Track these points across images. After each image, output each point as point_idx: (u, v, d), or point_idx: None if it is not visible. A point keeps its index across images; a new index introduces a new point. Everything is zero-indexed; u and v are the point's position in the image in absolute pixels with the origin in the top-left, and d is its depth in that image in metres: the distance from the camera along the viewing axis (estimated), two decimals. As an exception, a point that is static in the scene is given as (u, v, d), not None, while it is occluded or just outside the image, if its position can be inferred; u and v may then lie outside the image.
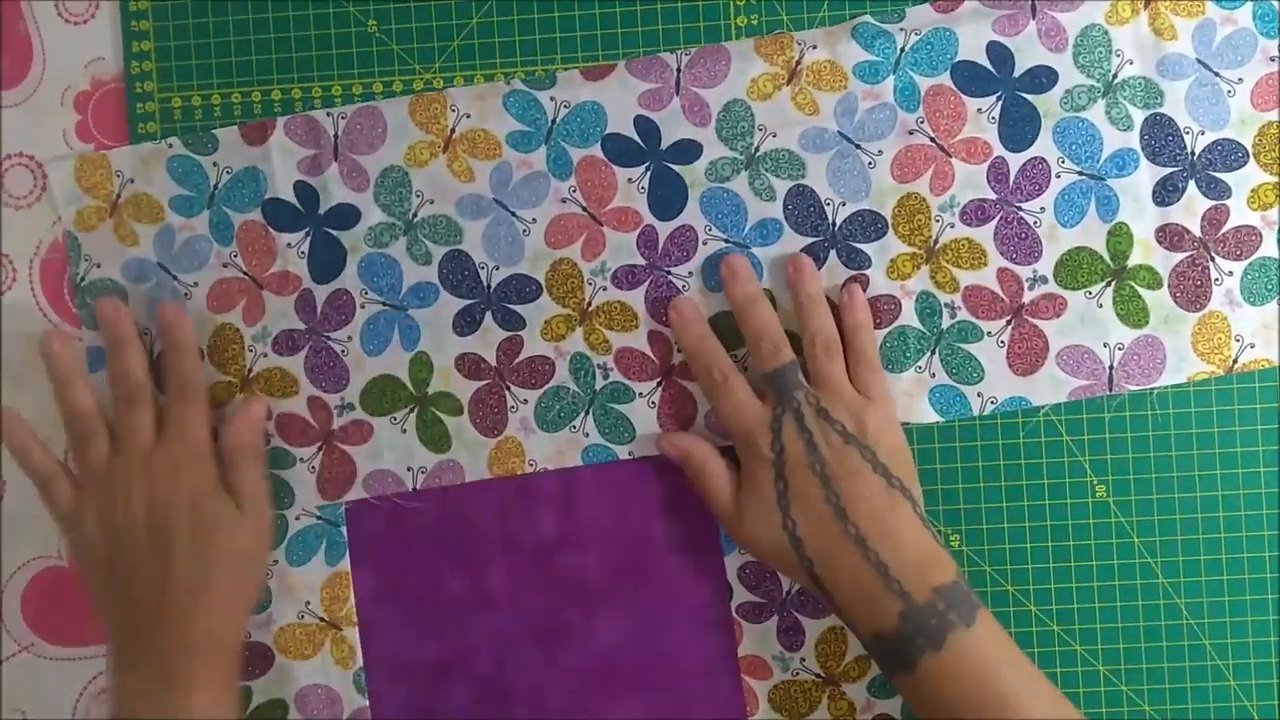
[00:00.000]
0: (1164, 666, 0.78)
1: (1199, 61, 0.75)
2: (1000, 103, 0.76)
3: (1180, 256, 0.76)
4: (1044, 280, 0.76)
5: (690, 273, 0.78)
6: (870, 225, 0.77)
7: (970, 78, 0.76)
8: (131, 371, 0.77)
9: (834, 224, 0.77)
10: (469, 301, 0.79)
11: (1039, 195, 0.76)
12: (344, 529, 0.80)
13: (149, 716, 0.71)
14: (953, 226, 0.77)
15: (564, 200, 0.78)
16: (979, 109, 0.76)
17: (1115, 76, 0.76)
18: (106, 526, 0.74)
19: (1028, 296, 0.77)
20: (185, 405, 0.77)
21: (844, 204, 0.77)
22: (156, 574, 0.73)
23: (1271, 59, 0.75)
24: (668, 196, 0.78)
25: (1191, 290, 0.76)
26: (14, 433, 0.78)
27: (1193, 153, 0.76)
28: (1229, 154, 0.76)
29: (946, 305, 0.77)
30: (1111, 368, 0.76)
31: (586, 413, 0.79)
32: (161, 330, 0.78)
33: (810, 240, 0.77)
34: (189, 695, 0.71)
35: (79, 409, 0.77)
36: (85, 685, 0.83)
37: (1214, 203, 0.76)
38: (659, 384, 0.79)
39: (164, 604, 0.72)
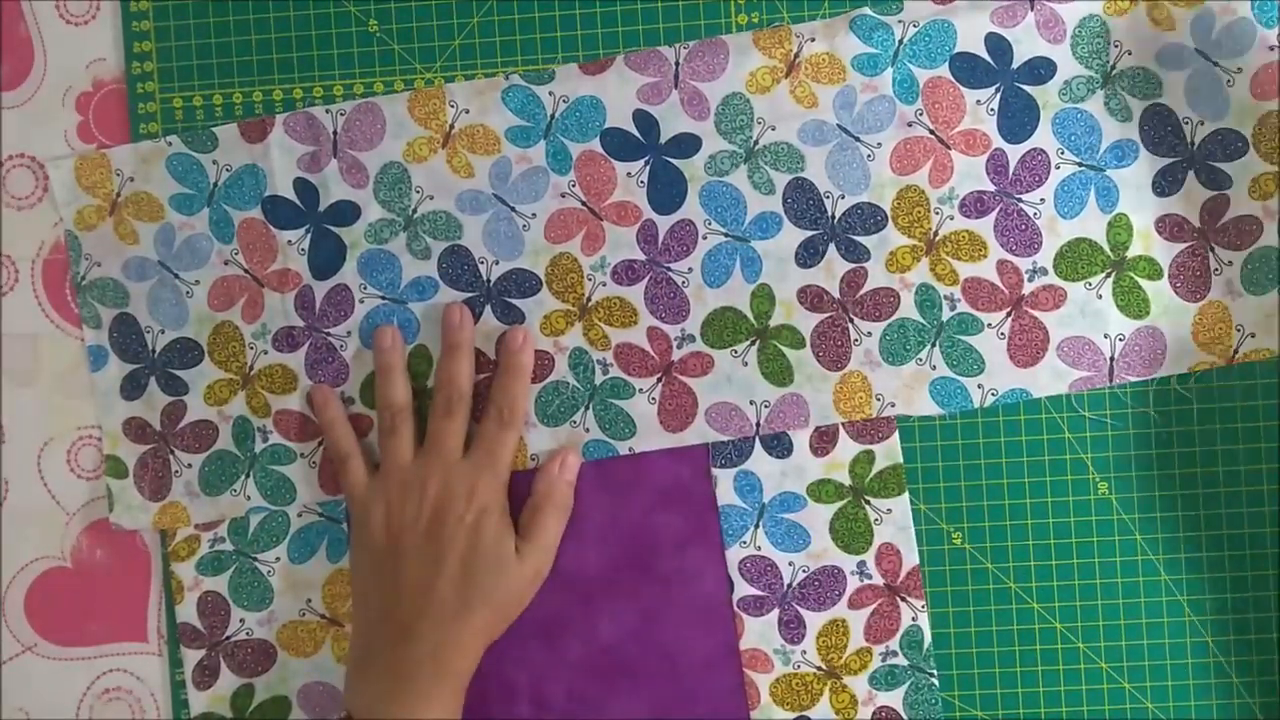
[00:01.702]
0: (1166, 663, 0.77)
1: (1198, 51, 0.75)
2: (999, 94, 0.76)
3: (1180, 247, 0.76)
4: (1044, 272, 0.76)
5: (690, 268, 0.78)
6: (870, 218, 0.77)
7: (969, 69, 0.76)
8: (458, 378, 0.77)
9: (833, 217, 0.77)
10: (468, 295, 0.79)
11: (1038, 187, 0.76)
12: (345, 525, 0.80)
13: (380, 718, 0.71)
14: (952, 218, 0.77)
15: (563, 195, 0.78)
16: (978, 101, 0.76)
17: (1114, 67, 0.76)
18: (391, 520, 0.75)
19: (1028, 288, 0.76)
20: (503, 429, 0.77)
21: (843, 197, 0.77)
22: (422, 585, 0.73)
23: (1270, 48, 0.75)
24: (667, 191, 0.78)
25: (1192, 280, 0.76)
26: (326, 406, 0.79)
27: (1192, 143, 0.76)
28: (1228, 144, 0.76)
29: (946, 297, 0.77)
30: (1112, 359, 0.76)
31: (586, 408, 0.79)
32: (502, 357, 0.78)
33: (810, 233, 0.77)
34: (418, 712, 0.71)
35: (397, 401, 0.77)
36: (88, 686, 0.83)
37: (1214, 193, 0.76)
38: (659, 380, 0.78)
39: (421, 617, 0.73)
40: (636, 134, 0.78)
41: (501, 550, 0.75)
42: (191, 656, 0.81)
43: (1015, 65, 0.76)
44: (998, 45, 0.76)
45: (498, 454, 0.76)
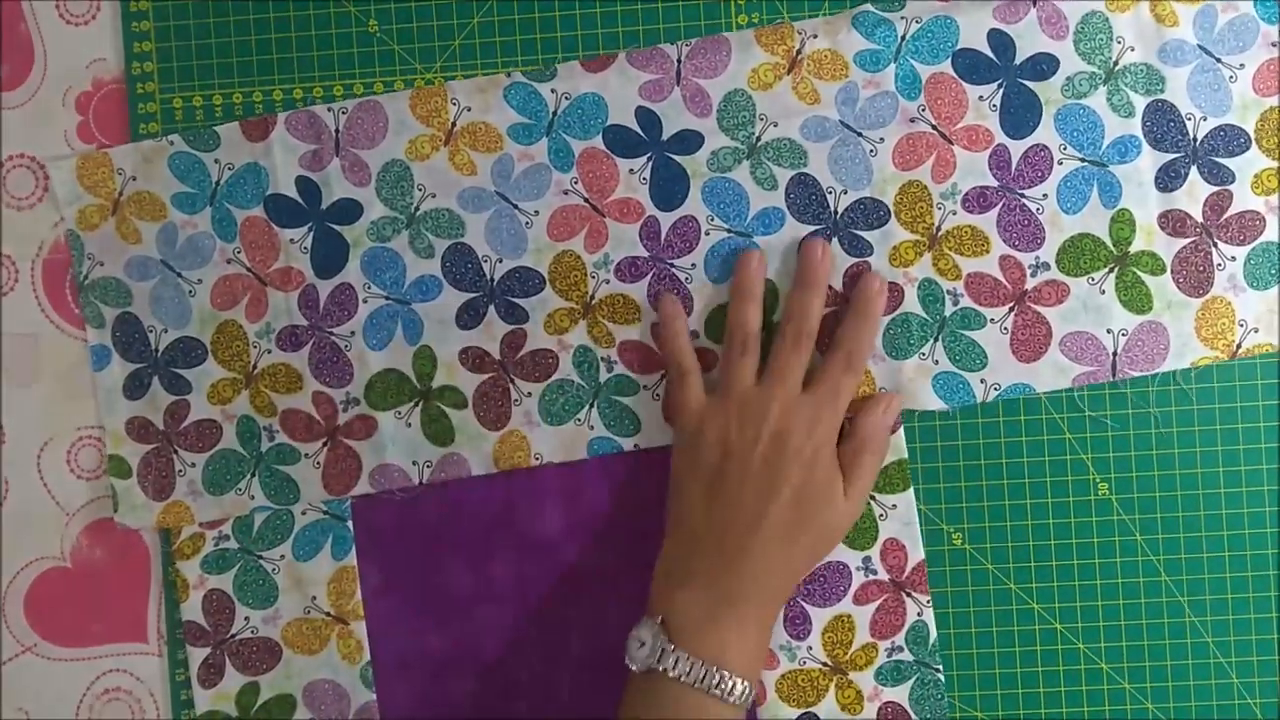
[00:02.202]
0: (1167, 664, 0.77)
1: (1200, 47, 0.76)
2: (1001, 90, 0.76)
3: (1183, 242, 0.76)
4: (1046, 267, 0.76)
5: (693, 264, 0.78)
6: (872, 213, 0.77)
7: (971, 65, 0.76)
8: (809, 313, 0.76)
9: (836, 213, 0.77)
10: (472, 295, 0.79)
11: (1041, 182, 0.76)
12: (350, 523, 0.80)
13: (691, 642, 0.71)
14: (955, 214, 0.77)
15: (566, 192, 0.78)
16: (980, 96, 0.76)
17: (1116, 63, 0.76)
18: (726, 441, 0.74)
19: (1030, 283, 0.77)
20: (847, 373, 0.75)
21: (845, 192, 0.77)
22: (754, 510, 0.73)
23: (1273, 44, 0.75)
24: (670, 187, 0.78)
25: (1194, 276, 0.76)
26: (671, 320, 0.78)
27: (1194, 139, 0.76)
28: (1231, 139, 0.76)
29: (949, 292, 0.77)
30: (1115, 354, 0.76)
31: (591, 405, 0.79)
32: (855, 300, 0.77)
33: (813, 229, 0.77)
34: (735, 636, 0.71)
35: (750, 327, 0.76)
36: (88, 686, 0.82)
37: (1216, 188, 0.76)
38: (663, 376, 0.78)
39: (752, 541, 0.72)
40: (639, 131, 0.78)
41: (833, 486, 0.74)
42: (196, 655, 0.81)
43: (1018, 61, 0.76)
44: (1000, 41, 0.76)
45: (839, 394, 0.75)
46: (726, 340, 0.77)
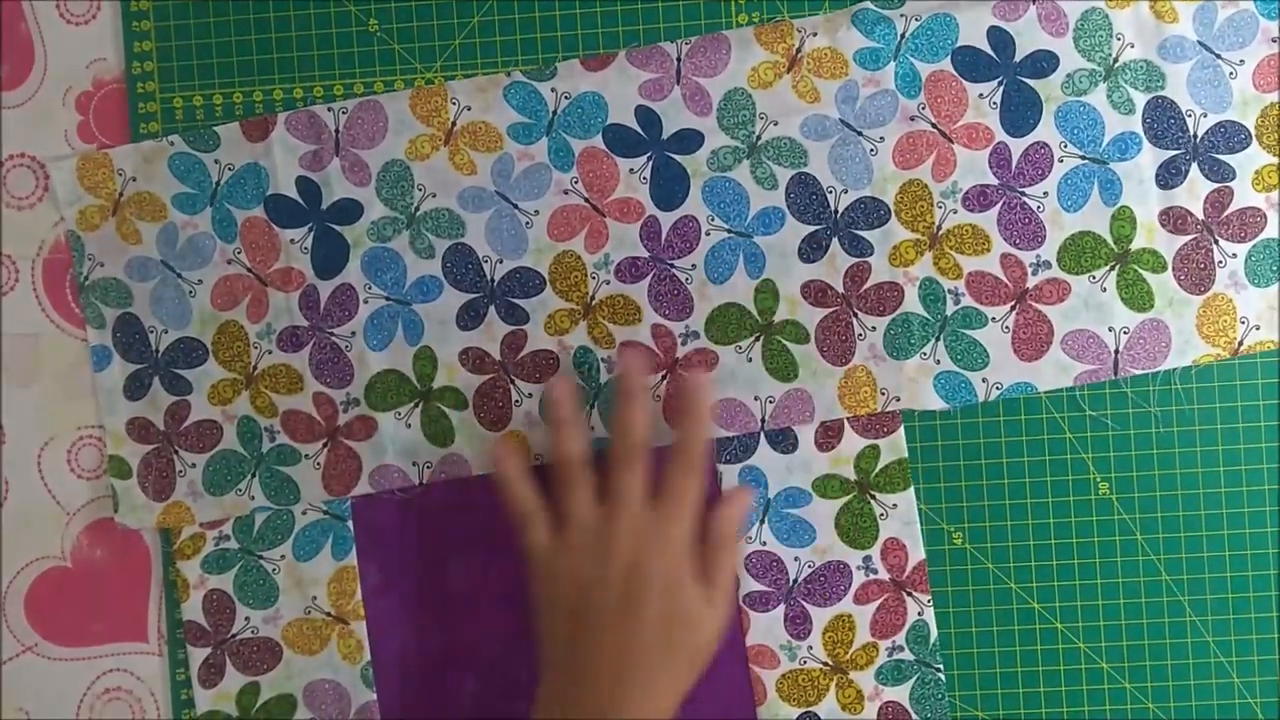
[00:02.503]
0: (1167, 664, 0.77)
1: (1200, 44, 0.76)
2: (1001, 88, 0.76)
3: (1184, 239, 0.76)
4: (1047, 265, 0.76)
5: (693, 265, 0.78)
6: (873, 212, 0.77)
7: (971, 63, 0.76)
8: (636, 426, 0.74)
9: (836, 212, 0.77)
10: (472, 296, 0.79)
11: (1041, 180, 0.76)
12: (350, 523, 0.80)
13: None
14: (955, 212, 0.77)
15: (566, 192, 0.78)
16: (980, 94, 0.76)
17: (1116, 60, 0.76)
18: (580, 579, 0.72)
19: (1031, 281, 0.76)
20: (688, 476, 0.73)
21: (846, 191, 0.77)
22: (621, 646, 0.70)
23: (1273, 40, 0.75)
24: (670, 186, 0.78)
25: (1195, 273, 0.76)
26: (505, 464, 0.76)
27: (1195, 135, 0.76)
28: (1231, 136, 0.76)
29: (950, 291, 0.77)
30: (1116, 352, 0.76)
31: (592, 406, 0.79)
32: (682, 399, 0.76)
33: (813, 228, 0.77)
34: None
35: (573, 454, 0.74)
36: (89, 685, 0.82)
37: (1217, 185, 0.76)
38: (663, 377, 0.78)
39: (624, 677, 0.70)
40: (639, 130, 0.78)
41: (698, 607, 0.72)
42: (197, 654, 0.81)
43: (1017, 59, 0.76)
44: (1000, 39, 0.76)
45: (685, 500, 0.73)
46: (557, 474, 0.75)
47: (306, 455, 0.80)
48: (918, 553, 0.78)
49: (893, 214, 0.77)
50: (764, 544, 0.78)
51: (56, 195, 0.81)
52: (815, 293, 0.77)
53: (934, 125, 0.76)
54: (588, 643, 0.71)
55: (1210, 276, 0.76)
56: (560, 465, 0.75)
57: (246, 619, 0.81)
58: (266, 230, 0.80)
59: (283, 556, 0.80)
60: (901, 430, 0.78)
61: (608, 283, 0.78)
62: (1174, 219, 0.76)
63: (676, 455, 0.74)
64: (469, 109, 0.79)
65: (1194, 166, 0.76)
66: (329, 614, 0.80)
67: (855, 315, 0.77)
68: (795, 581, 0.78)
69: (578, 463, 0.74)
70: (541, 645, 0.73)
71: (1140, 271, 0.76)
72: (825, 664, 0.79)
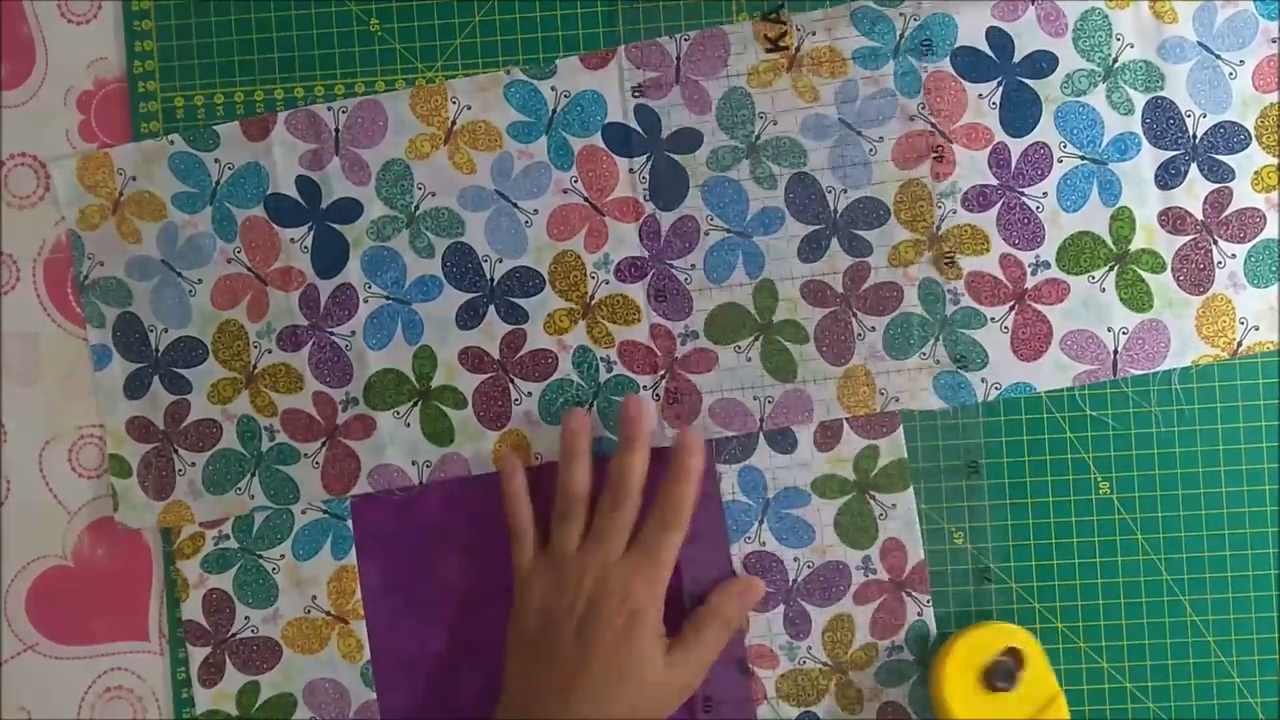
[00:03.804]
0: (1168, 663, 0.77)
1: (1200, 44, 0.75)
2: (1001, 88, 0.76)
3: (1183, 240, 0.76)
4: (1047, 265, 0.76)
5: (693, 264, 0.78)
6: (872, 212, 0.77)
7: (971, 63, 0.76)
8: (629, 474, 0.75)
9: (835, 211, 0.77)
10: (472, 295, 0.79)
11: (1041, 180, 0.76)
12: (349, 522, 0.80)
13: None
14: (955, 213, 0.77)
15: (566, 191, 0.78)
16: (980, 94, 0.76)
17: (1116, 60, 0.76)
18: (545, 606, 0.74)
19: (1031, 282, 0.76)
20: (664, 531, 0.74)
21: (845, 191, 0.77)
22: (567, 677, 0.72)
23: (1272, 40, 0.75)
24: (669, 186, 0.78)
25: (1195, 274, 0.76)
26: (512, 482, 0.78)
27: (1194, 136, 0.76)
28: (1231, 136, 0.76)
29: (949, 291, 0.77)
30: (1115, 352, 0.76)
31: (591, 406, 0.79)
32: (673, 457, 0.76)
33: (812, 228, 0.77)
34: None
35: (575, 490, 0.76)
36: (90, 684, 0.83)
37: (1216, 185, 0.76)
38: (662, 377, 0.78)
39: (566, 706, 0.71)
40: (638, 129, 0.78)
41: (648, 660, 0.73)
42: (197, 654, 0.81)
43: (1017, 59, 0.76)
44: (999, 39, 0.76)
45: (658, 555, 0.74)
46: (555, 502, 0.77)
47: (306, 454, 0.80)
48: (917, 553, 0.78)
49: (892, 214, 0.77)
50: (763, 544, 0.78)
51: (57, 194, 0.81)
52: (814, 292, 0.77)
53: (933, 125, 0.76)
54: (541, 670, 0.73)
55: (1209, 277, 0.76)
56: (561, 496, 0.76)
57: (246, 618, 0.81)
58: (266, 229, 0.80)
59: (282, 556, 0.80)
60: (901, 430, 0.78)
61: (607, 282, 0.78)
62: (1173, 219, 0.76)
63: (658, 511, 0.75)
64: (469, 108, 0.79)
65: (1193, 167, 0.76)
66: (329, 613, 0.80)
67: (854, 315, 0.77)
68: (794, 582, 0.78)
69: (577, 498, 0.76)
70: (507, 654, 0.75)
71: (1139, 272, 0.76)
72: (825, 664, 0.79)
